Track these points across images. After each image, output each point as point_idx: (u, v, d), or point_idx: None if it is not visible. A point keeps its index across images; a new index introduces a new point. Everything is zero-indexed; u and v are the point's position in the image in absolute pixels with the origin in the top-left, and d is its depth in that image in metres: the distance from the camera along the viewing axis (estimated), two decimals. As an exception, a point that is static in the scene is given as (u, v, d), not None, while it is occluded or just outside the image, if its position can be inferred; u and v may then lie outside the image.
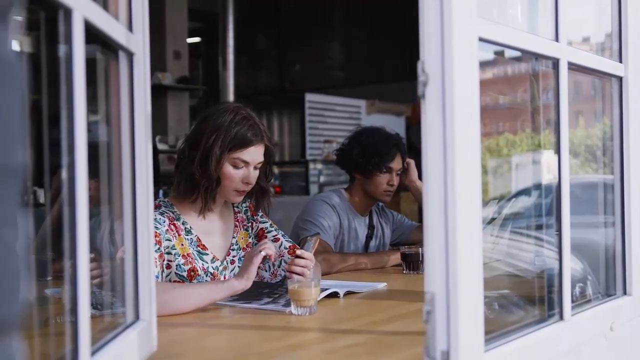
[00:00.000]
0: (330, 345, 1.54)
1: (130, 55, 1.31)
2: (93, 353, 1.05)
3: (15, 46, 0.58)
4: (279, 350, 1.50)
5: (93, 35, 1.08)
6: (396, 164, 2.92)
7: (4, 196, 0.54)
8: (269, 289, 2.07)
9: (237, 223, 2.31)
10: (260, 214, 2.36)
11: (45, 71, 1.05)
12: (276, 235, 2.33)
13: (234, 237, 2.28)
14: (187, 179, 2.14)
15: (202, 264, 2.14)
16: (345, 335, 1.62)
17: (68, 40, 0.98)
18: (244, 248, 2.29)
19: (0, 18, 0.55)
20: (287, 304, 1.86)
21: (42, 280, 1.84)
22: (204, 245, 2.18)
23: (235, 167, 2.12)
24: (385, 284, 2.31)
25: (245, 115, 2.14)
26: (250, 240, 2.31)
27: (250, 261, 1.91)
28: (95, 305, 1.31)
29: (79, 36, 0.99)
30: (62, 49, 0.99)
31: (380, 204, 3.10)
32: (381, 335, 1.63)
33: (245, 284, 1.89)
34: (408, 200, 6.26)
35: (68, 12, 0.97)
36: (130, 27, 1.31)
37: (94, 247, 1.07)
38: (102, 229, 1.51)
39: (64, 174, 0.98)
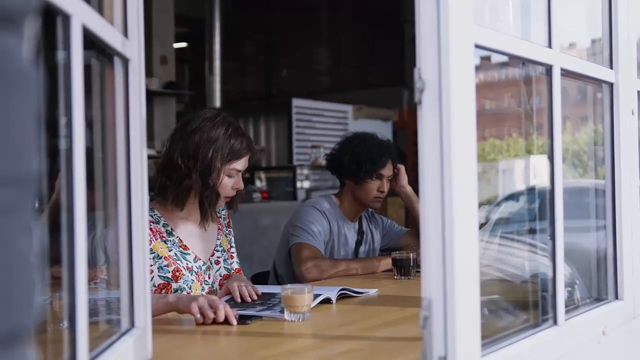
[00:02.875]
0: (326, 352, 1.54)
1: (125, 61, 1.31)
2: (90, 361, 1.05)
3: (30, 54, 0.58)
4: (274, 356, 1.50)
5: (89, 40, 1.08)
6: (387, 171, 2.92)
7: (19, 205, 0.54)
8: (262, 300, 2.07)
9: (220, 226, 2.38)
10: (231, 227, 2.46)
11: (41, 77, 1.04)
12: (234, 253, 2.43)
13: (218, 239, 2.35)
14: (185, 191, 2.18)
15: (186, 264, 2.19)
16: (340, 341, 1.62)
17: (66, 46, 0.97)
18: (227, 250, 2.37)
19: (14, 27, 0.55)
20: (283, 311, 1.86)
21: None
22: (185, 245, 2.23)
23: (230, 176, 2.22)
24: (376, 290, 2.31)
25: (236, 126, 2.24)
26: (229, 245, 2.40)
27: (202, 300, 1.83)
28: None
29: (77, 42, 0.98)
30: (59, 55, 0.99)
31: (370, 209, 3.10)
32: (376, 341, 1.63)
33: (179, 305, 1.86)
34: (395, 205, 6.27)
35: (66, 18, 0.96)
36: (125, 33, 1.31)
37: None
38: (92, 234, 1.50)
39: (62, 181, 0.97)
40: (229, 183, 2.21)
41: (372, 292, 2.28)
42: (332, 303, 2.06)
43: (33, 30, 0.60)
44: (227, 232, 2.42)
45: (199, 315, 1.78)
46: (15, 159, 0.54)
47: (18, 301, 0.54)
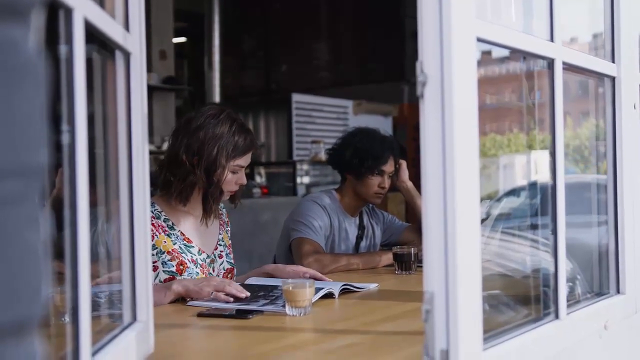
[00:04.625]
0: (327, 346, 1.54)
1: (127, 55, 1.30)
2: (93, 354, 1.05)
3: (37, 45, 0.58)
4: (276, 350, 1.50)
5: (90, 34, 1.08)
6: (389, 167, 2.92)
7: (26, 196, 0.54)
8: (264, 292, 2.07)
9: (221, 222, 2.40)
10: (229, 225, 2.49)
11: (48, 69, 1.04)
12: (229, 252, 2.43)
13: (220, 234, 2.37)
14: (189, 187, 2.20)
15: (191, 256, 2.21)
16: (342, 336, 1.62)
17: (68, 40, 0.97)
18: (228, 245, 2.39)
19: (21, 18, 0.55)
20: (285, 306, 1.86)
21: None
22: (188, 238, 2.24)
23: (233, 172, 2.23)
24: (377, 284, 2.31)
25: (240, 123, 2.25)
26: (229, 241, 2.42)
27: (205, 283, 2.01)
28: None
29: (80, 36, 0.98)
30: (62, 48, 0.98)
31: (371, 204, 3.10)
32: (377, 335, 1.63)
33: (181, 290, 2.01)
34: (395, 200, 6.28)
35: (68, 12, 0.96)
36: (127, 27, 1.30)
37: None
38: (93, 229, 1.50)
39: (65, 175, 0.97)
40: (232, 179, 2.23)
41: (373, 286, 2.29)
42: (334, 297, 2.06)
43: (39, 22, 0.60)
44: (227, 229, 2.44)
45: (213, 295, 1.97)
46: (23, 151, 0.54)
47: (25, 292, 0.54)
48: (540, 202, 1.78)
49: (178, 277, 2.14)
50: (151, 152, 6.51)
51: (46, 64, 0.59)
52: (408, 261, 2.57)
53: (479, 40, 1.22)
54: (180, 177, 2.18)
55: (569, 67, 1.56)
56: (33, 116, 0.55)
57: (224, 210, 2.45)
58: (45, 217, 0.57)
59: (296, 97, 7.78)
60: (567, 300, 1.53)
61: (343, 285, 2.15)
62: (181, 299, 2.11)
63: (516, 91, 1.88)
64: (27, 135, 0.55)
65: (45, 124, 0.58)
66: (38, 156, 0.56)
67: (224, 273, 2.32)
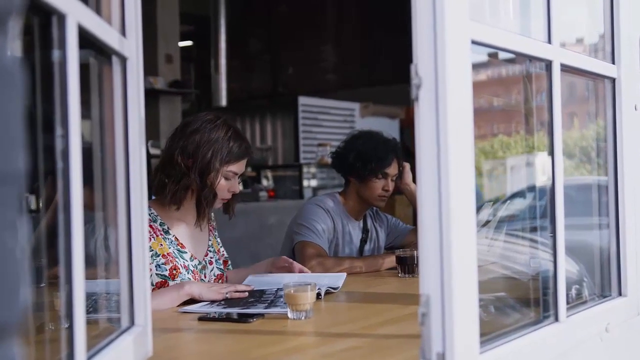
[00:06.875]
0: (326, 349, 1.54)
1: (123, 60, 1.31)
2: (89, 359, 1.05)
3: (15, 52, 0.58)
4: (275, 354, 1.50)
5: (86, 40, 1.08)
6: (392, 170, 2.91)
7: (4, 201, 0.54)
8: (254, 298, 2.07)
9: (211, 228, 2.43)
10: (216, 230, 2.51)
11: (37, 76, 1.05)
12: (224, 253, 2.46)
13: (209, 240, 2.39)
14: (183, 189, 2.21)
15: (183, 262, 2.23)
16: (341, 339, 1.62)
17: (62, 46, 0.98)
18: (217, 251, 2.41)
19: (-1, 25, 0.55)
20: (286, 306, 1.86)
21: (36, 287, 1.83)
22: (182, 244, 2.26)
23: (227, 178, 2.25)
24: (339, 286, 2.30)
25: (236, 130, 2.29)
26: (218, 247, 2.44)
27: (217, 288, 2.08)
28: (89, 310, 1.30)
29: (73, 41, 0.99)
30: (55, 54, 0.99)
31: (375, 207, 3.09)
32: (377, 338, 1.63)
33: (195, 292, 2.05)
34: (403, 203, 6.26)
35: (62, 18, 0.97)
36: (123, 32, 1.31)
37: (88, 254, 1.07)
38: (95, 235, 1.50)
39: (59, 181, 0.98)
40: (225, 185, 2.25)
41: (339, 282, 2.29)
42: (320, 298, 2.07)
43: (18, 29, 0.61)
44: (215, 234, 2.46)
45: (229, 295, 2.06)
46: (1, 157, 0.54)
47: (3, 297, 0.54)
48: (545, 203, 1.77)
49: (170, 282, 2.15)
50: (157, 156, 6.52)
51: (25, 72, 0.59)
52: (411, 264, 2.56)
53: (474, 42, 1.22)
54: (175, 179, 2.20)
55: (567, 69, 1.55)
56: (11, 123, 0.55)
57: (212, 214, 2.47)
58: (24, 222, 0.58)
59: (303, 100, 7.79)
60: (572, 303, 1.53)
61: (327, 287, 2.18)
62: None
63: (523, 92, 1.88)
64: (4, 142, 0.55)
65: (24, 131, 0.58)
66: (17, 162, 0.56)
67: (214, 279, 2.33)
